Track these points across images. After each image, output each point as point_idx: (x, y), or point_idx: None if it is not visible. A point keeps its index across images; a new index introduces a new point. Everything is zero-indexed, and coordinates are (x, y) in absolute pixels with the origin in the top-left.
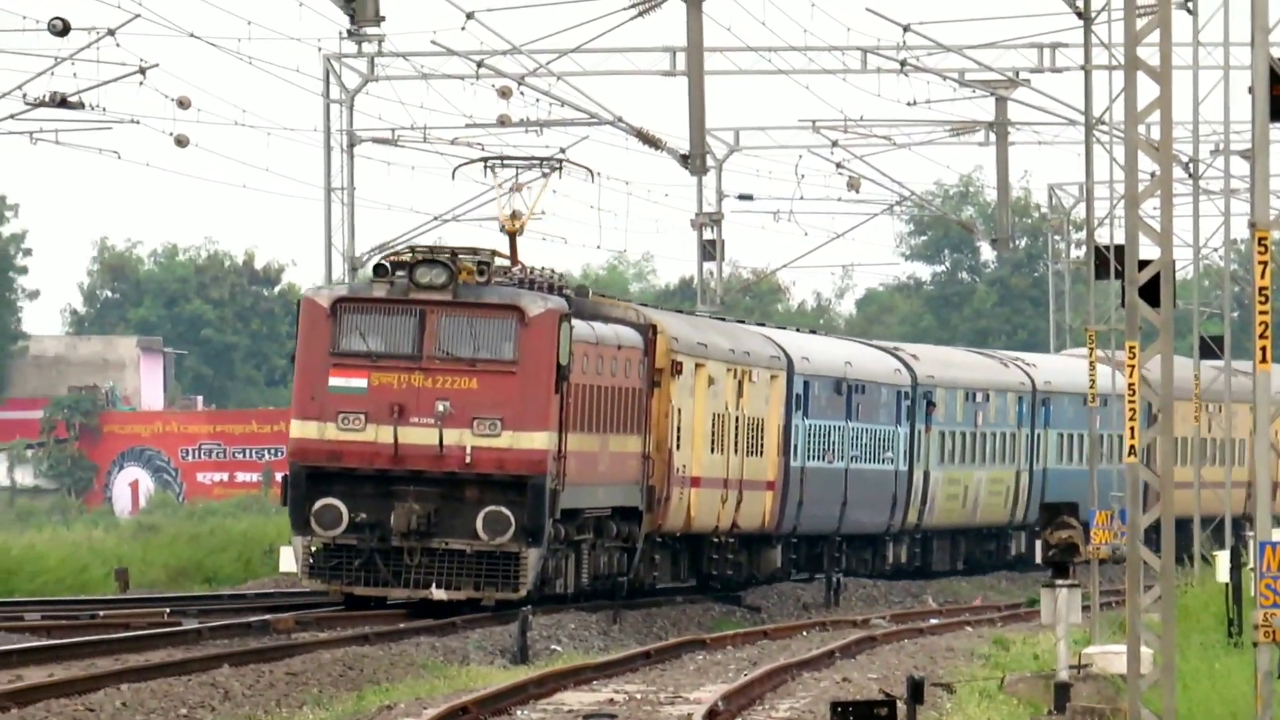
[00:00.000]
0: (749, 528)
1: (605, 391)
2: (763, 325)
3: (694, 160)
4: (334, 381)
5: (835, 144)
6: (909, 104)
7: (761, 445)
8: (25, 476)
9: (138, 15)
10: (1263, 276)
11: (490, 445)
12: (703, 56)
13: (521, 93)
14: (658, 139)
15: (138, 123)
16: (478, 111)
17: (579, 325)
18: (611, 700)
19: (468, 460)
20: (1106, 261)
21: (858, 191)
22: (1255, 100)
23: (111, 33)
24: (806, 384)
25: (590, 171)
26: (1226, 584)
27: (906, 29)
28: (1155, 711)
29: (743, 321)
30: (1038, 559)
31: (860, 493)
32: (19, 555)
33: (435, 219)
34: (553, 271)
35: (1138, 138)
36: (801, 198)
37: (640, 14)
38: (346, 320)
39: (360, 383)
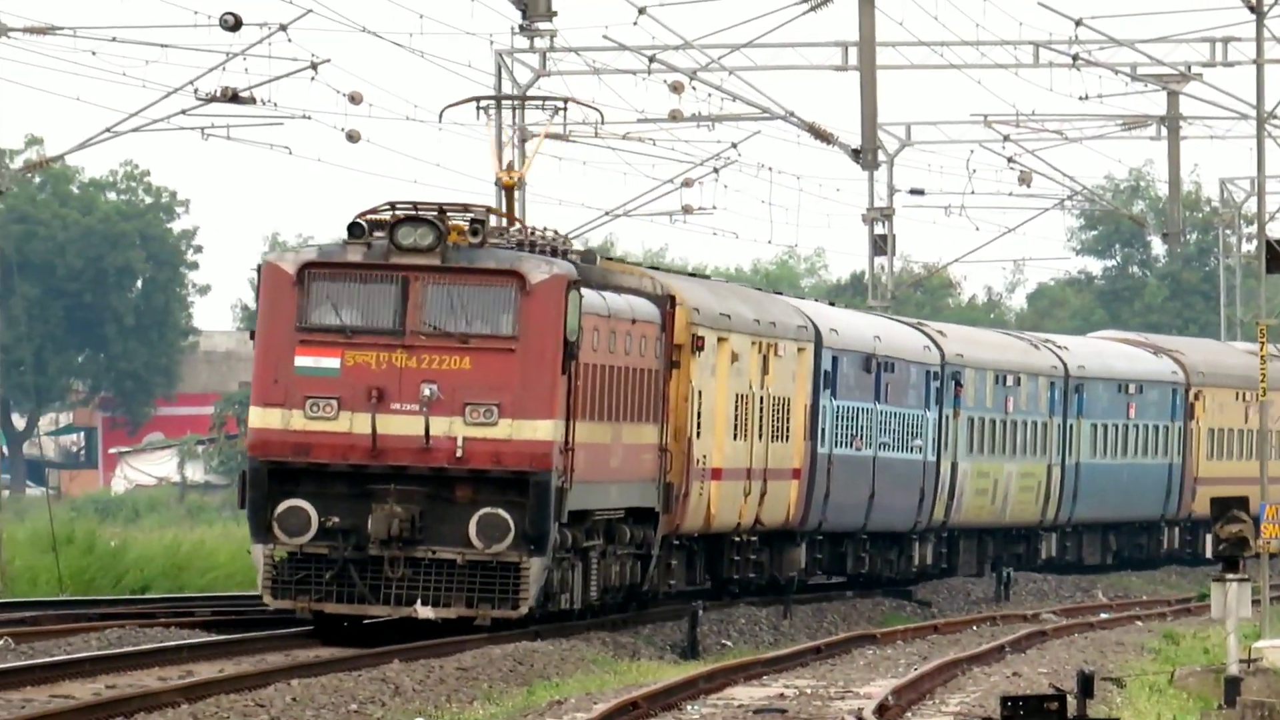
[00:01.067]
0: (772, 524)
1: (618, 373)
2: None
3: (865, 155)
4: (301, 361)
5: (1007, 138)
6: (1080, 98)
7: (788, 429)
8: (196, 473)
9: (310, 11)
10: None
11: (486, 436)
12: (874, 51)
13: (693, 88)
14: (829, 134)
15: (309, 118)
16: (649, 106)
17: (589, 295)
18: (781, 695)
19: (459, 454)
20: (1278, 255)
21: (1029, 186)
22: None
23: (283, 28)
24: (835, 359)
25: (600, 113)
26: None
27: (1078, 23)
28: None
29: (832, 304)
30: (1207, 554)
31: (889, 486)
32: (189, 551)
33: (607, 213)
34: (556, 233)
35: None
36: (973, 192)
37: (812, 9)
38: (316, 289)
39: (332, 363)
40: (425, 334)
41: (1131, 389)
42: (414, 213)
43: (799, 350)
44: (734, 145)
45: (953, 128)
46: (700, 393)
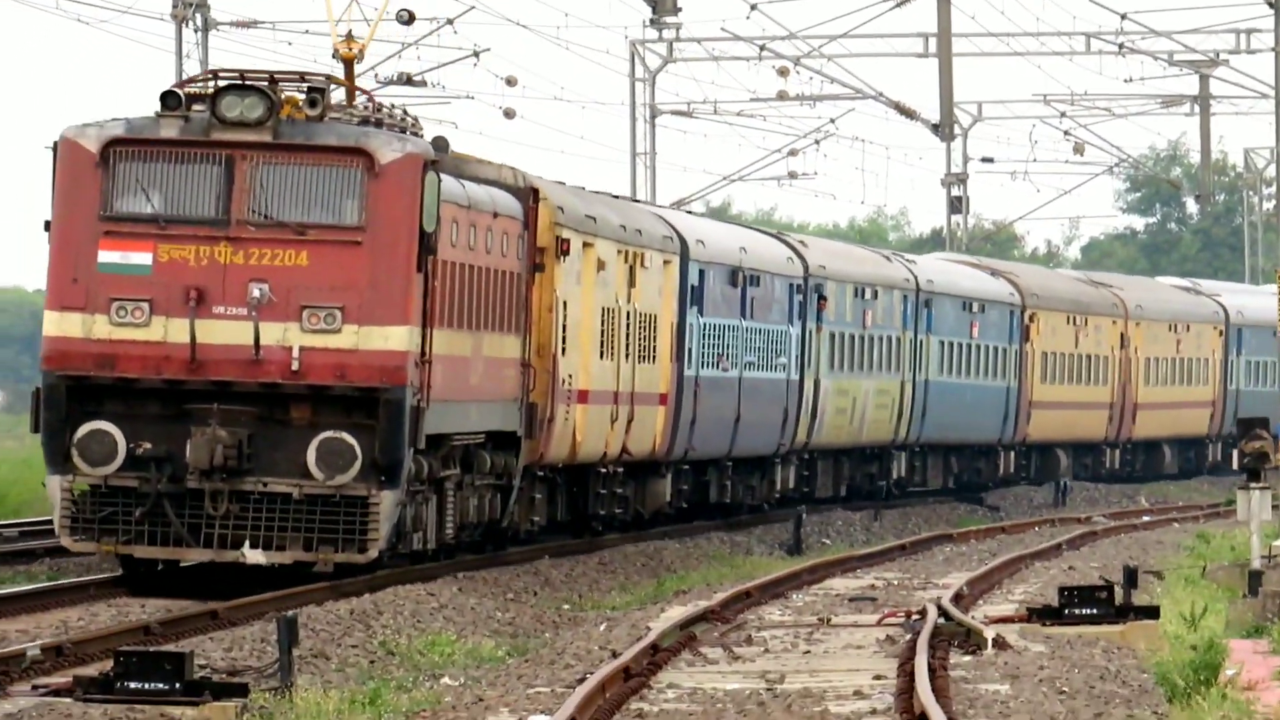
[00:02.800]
0: (640, 454)
1: (479, 274)
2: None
3: (944, 129)
4: (105, 256)
5: (1063, 114)
6: (1125, 80)
7: (654, 349)
8: None
9: (472, 7)
10: None
11: (327, 345)
12: (950, 41)
13: (797, 72)
14: (913, 111)
15: (472, 98)
16: (760, 88)
17: (447, 182)
18: (873, 585)
19: (295, 367)
20: None
21: (1082, 155)
22: None
23: (450, 21)
24: (702, 273)
25: None
26: None
27: (1124, 17)
28: None
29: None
30: (1234, 465)
31: (756, 410)
32: None
33: (725, 178)
34: (404, 112)
35: None
36: (1034, 160)
37: (898, 5)
38: (123, 170)
39: (142, 258)
40: (254, 224)
41: (977, 304)
42: (239, 81)
43: (665, 262)
44: (832, 121)
45: (1017, 105)
46: (565, 303)
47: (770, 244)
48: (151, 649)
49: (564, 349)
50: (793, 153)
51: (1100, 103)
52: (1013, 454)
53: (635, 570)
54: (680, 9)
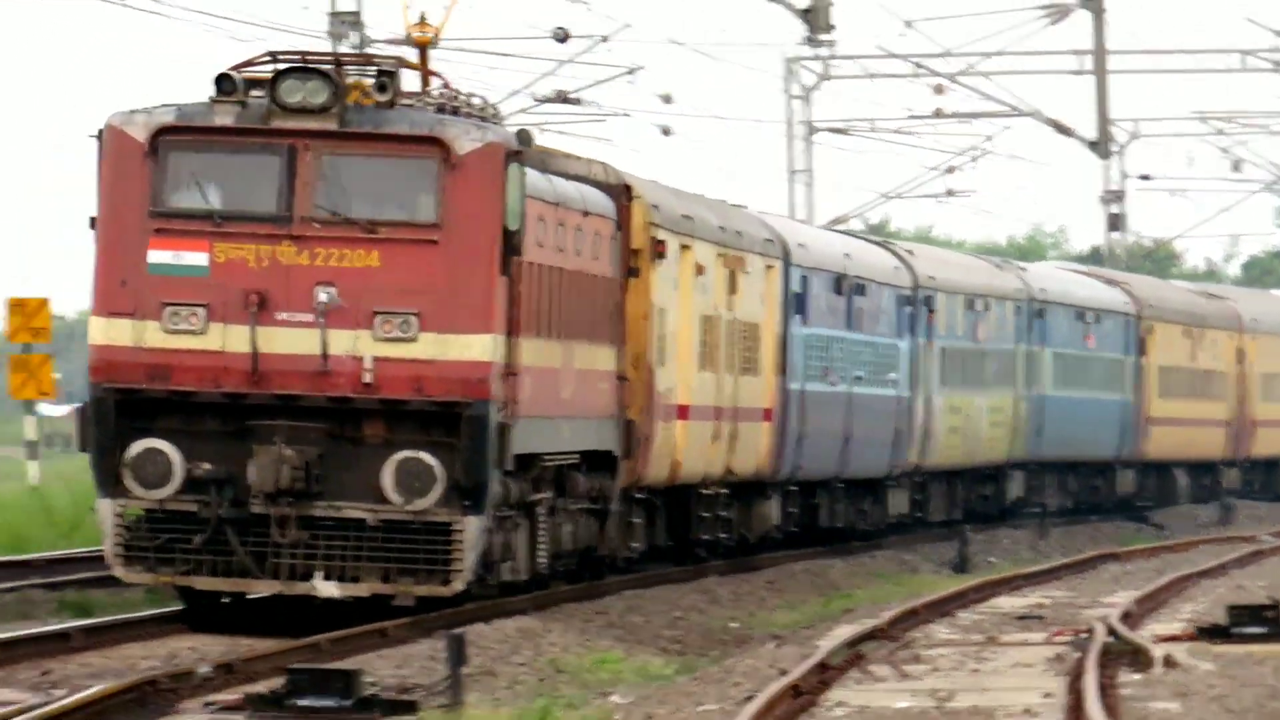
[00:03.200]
0: (744, 473)
1: (569, 278)
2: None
3: (1101, 146)
4: (156, 257)
5: (1220, 132)
6: None
7: (757, 360)
8: None
9: (628, 25)
10: None
11: (402, 356)
12: (1106, 58)
13: (953, 89)
14: (1069, 128)
15: (628, 115)
16: (916, 105)
17: (533, 175)
18: (1039, 604)
19: (367, 379)
20: None
21: (1240, 172)
22: None
23: (605, 39)
24: (805, 279)
25: None
26: None
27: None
28: None
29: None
30: None
31: (865, 427)
32: None
33: (883, 196)
34: (484, 101)
35: None
36: (1192, 177)
37: (1053, 21)
38: (175, 162)
39: (197, 258)
40: (319, 221)
41: (1092, 315)
42: (302, 63)
43: (767, 267)
44: (989, 138)
45: (1174, 123)
46: (662, 311)
47: (876, 251)
48: (322, 666)
49: (662, 360)
50: (950, 170)
51: (1258, 119)
52: (1131, 472)
53: (802, 588)
54: (835, 27)
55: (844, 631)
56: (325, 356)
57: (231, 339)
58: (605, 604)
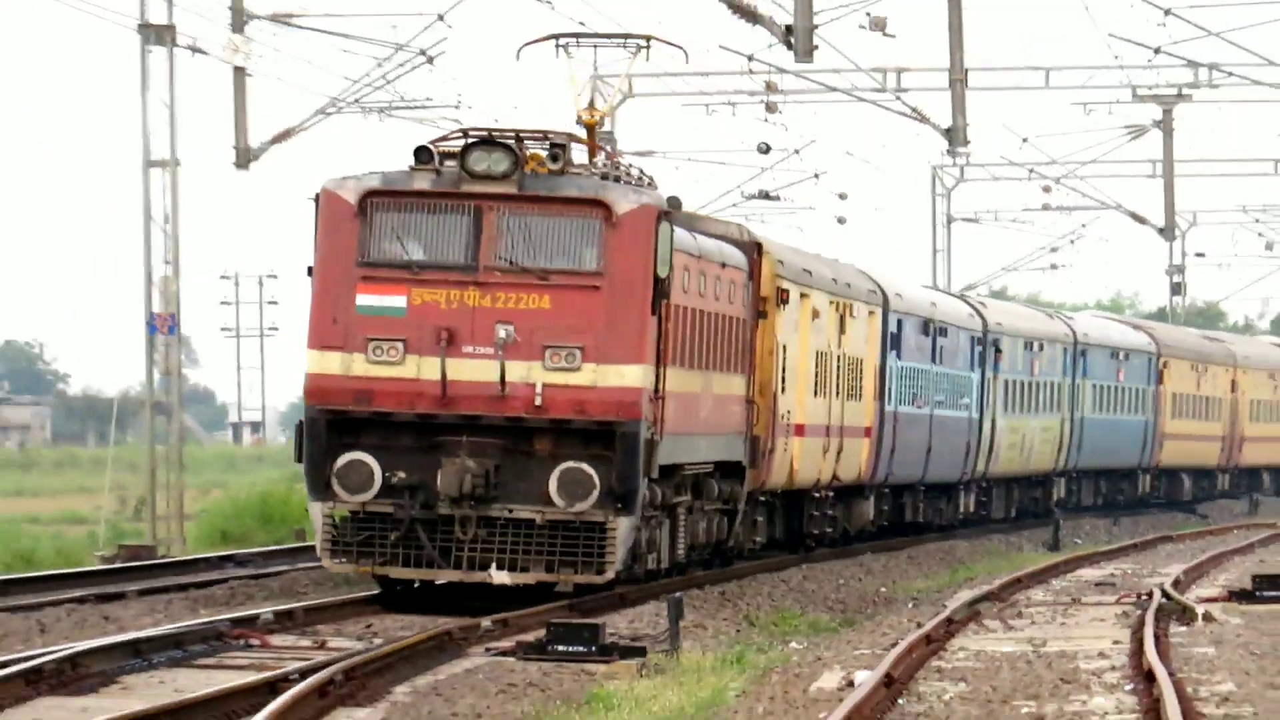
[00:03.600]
0: (847, 479)
1: (708, 319)
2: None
3: (1167, 231)
4: (363, 300)
5: (1257, 220)
6: None
7: (860, 388)
8: None
9: (814, 140)
10: None
11: (567, 383)
12: (1173, 165)
13: (1058, 187)
14: (1144, 218)
15: (813, 209)
16: (1030, 200)
17: (679, 232)
18: (1112, 574)
19: (538, 402)
20: None
21: (1271, 250)
22: None
23: (797, 151)
24: (900, 321)
25: (684, 50)
26: None
27: None
28: None
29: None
30: None
31: (944, 442)
32: None
33: (1003, 269)
34: (641, 171)
35: None
36: (1236, 255)
37: (1133, 138)
38: (380, 220)
39: (397, 301)
40: (500, 269)
41: (1122, 354)
42: (488, 137)
43: (869, 313)
44: (1084, 225)
45: (1222, 214)
46: (785, 347)
47: (955, 303)
48: (574, 621)
49: (783, 388)
50: (1054, 249)
51: None
52: (1148, 477)
53: (934, 562)
54: (970, 141)
55: (965, 595)
56: (503, 383)
57: (425, 368)
58: (786, 575)
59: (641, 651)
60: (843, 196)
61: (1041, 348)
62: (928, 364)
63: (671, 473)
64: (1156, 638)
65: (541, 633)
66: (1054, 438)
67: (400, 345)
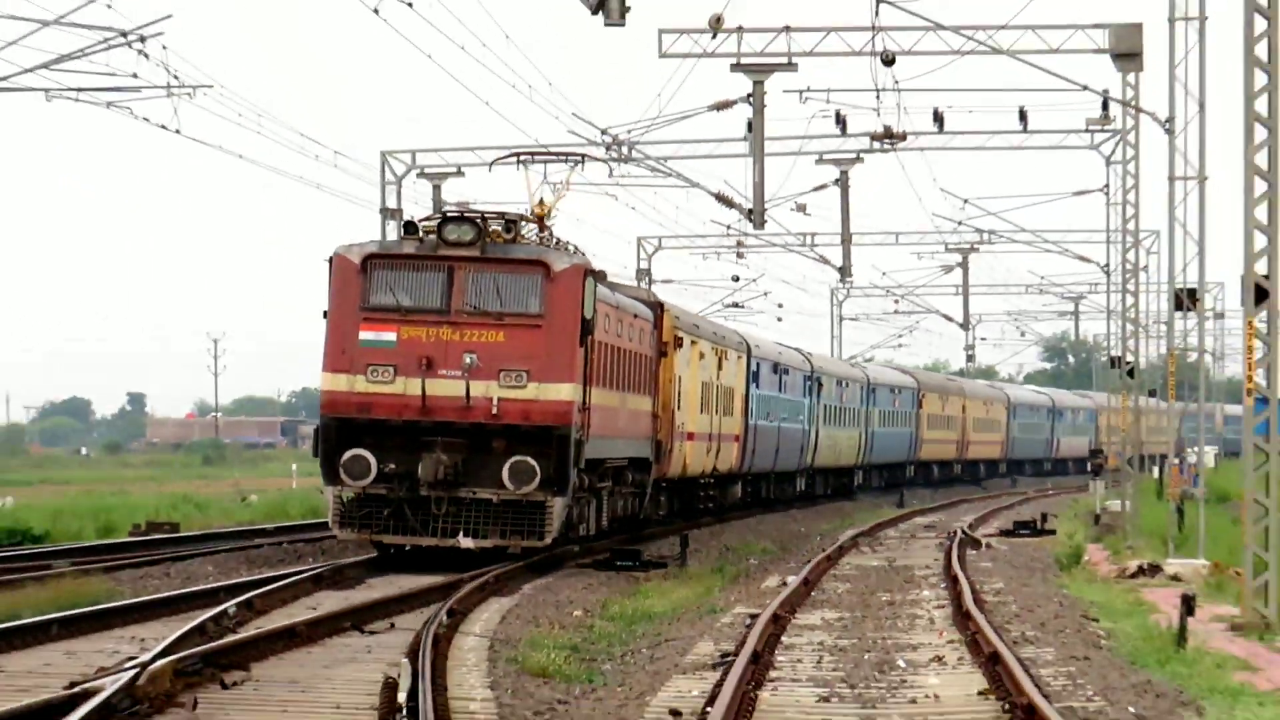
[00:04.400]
0: (724, 470)
1: (624, 354)
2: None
3: (965, 325)
4: (364, 335)
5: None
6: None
7: (733, 408)
8: None
9: (763, 273)
10: None
11: (516, 397)
12: (969, 288)
13: (902, 301)
14: (951, 317)
15: (763, 312)
16: (886, 307)
17: (602, 289)
18: (934, 521)
19: (494, 412)
20: None
21: (1024, 336)
22: None
23: (754, 280)
24: (758, 364)
25: (609, 166)
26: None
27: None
28: (1128, 523)
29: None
30: (1089, 468)
31: (786, 445)
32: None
33: (872, 346)
34: (576, 247)
35: None
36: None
37: (946, 272)
38: (377, 276)
39: (390, 336)
40: (467, 313)
41: (897, 390)
42: (458, 214)
43: (739, 357)
44: (918, 322)
45: (995, 316)
46: (680, 378)
47: (795, 353)
48: (625, 547)
49: (679, 406)
50: (899, 335)
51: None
52: (913, 467)
53: (833, 515)
54: (852, 274)
55: (850, 532)
56: (468, 397)
57: (410, 386)
58: (748, 524)
59: (663, 564)
60: (780, 305)
61: (847, 385)
62: (776, 393)
63: (597, 465)
64: (959, 557)
65: (605, 555)
66: (855, 443)
67: (392, 369)
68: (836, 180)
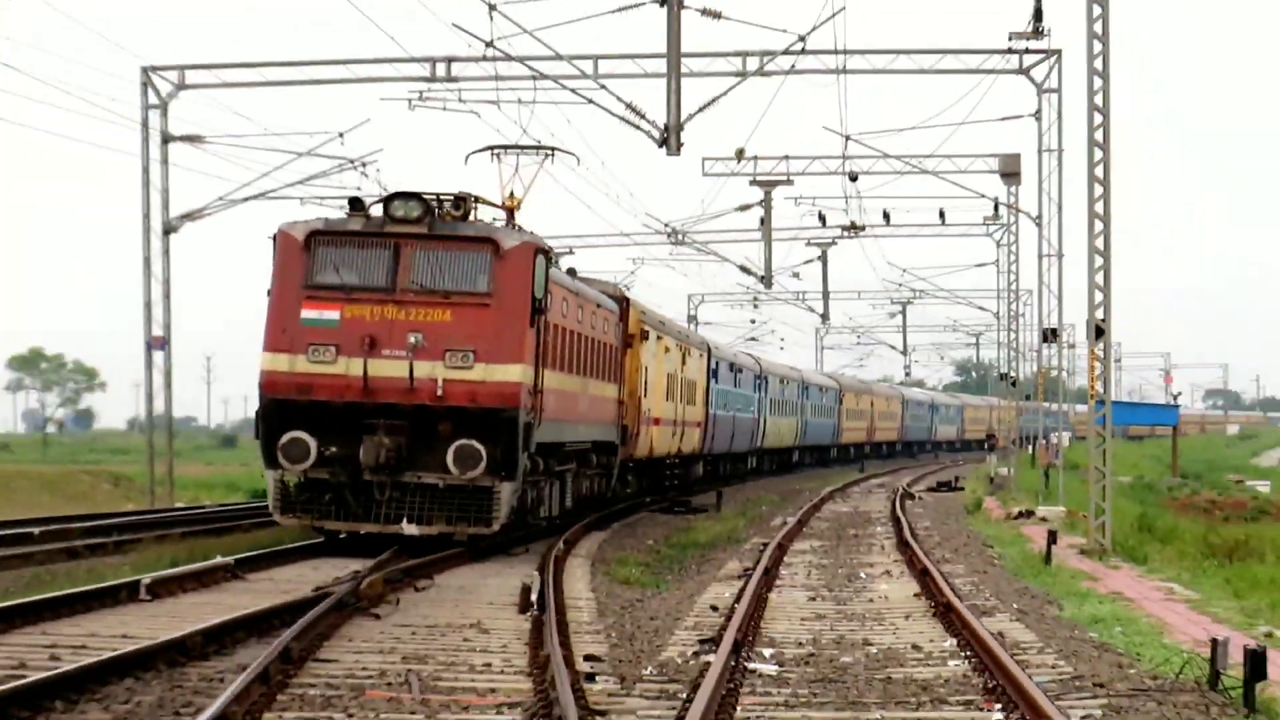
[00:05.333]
0: (687, 452)
1: (586, 341)
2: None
3: (904, 351)
4: (306, 314)
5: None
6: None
7: (695, 398)
8: None
9: (771, 317)
10: None
11: (463, 378)
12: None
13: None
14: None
15: (772, 344)
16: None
17: (561, 274)
18: (884, 481)
19: (439, 393)
20: None
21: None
22: None
23: (765, 322)
24: (718, 362)
25: (576, 157)
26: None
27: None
28: (1012, 483)
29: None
30: (985, 446)
31: (740, 431)
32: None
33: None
34: (533, 233)
35: None
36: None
37: (891, 316)
38: (321, 253)
39: (333, 315)
40: (413, 291)
41: (824, 389)
42: (406, 191)
43: (701, 355)
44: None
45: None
46: (646, 368)
47: (746, 356)
48: (680, 499)
49: (646, 393)
50: (860, 359)
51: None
52: (835, 449)
53: (784, 486)
54: (830, 318)
55: (827, 489)
56: (412, 379)
57: (352, 367)
58: (753, 488)
59: (705, 510)
60: (782, 339)
61: (787, 384)
62: (733, 388)
63: (555, 449)
64: (900, 507)
65: (668, 505)
66: (793, 430)
67: (334, 349)
68: (819, 256)
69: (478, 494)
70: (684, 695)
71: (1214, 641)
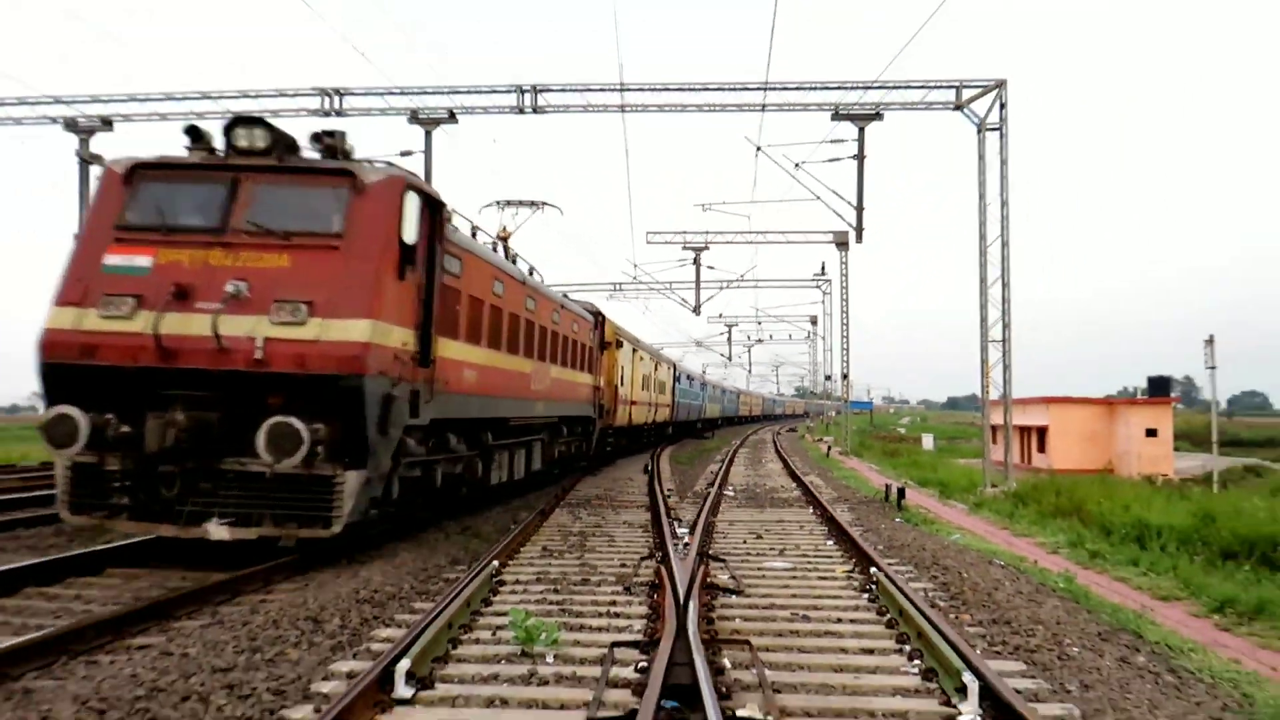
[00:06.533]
0: (661, 421)
1: (548, 333)
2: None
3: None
4: (110, 260)
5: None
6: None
7: (665, 392)
8: None
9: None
10: None
11: (291, 337)
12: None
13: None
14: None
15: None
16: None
17: (486, 249)
18: (758, 430)
19: (258, 356)
20: None
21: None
22: None
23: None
24: (680, 374)
25: (560, 210)
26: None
27: None
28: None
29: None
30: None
31: (693, 412)
32: None
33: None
34: (411, 173)
35: None
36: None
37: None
38: (143, 189)
39: (144, 260)
40: (247, 232)
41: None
42: (251, 115)
43: (669, 368)
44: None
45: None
46: (623, 367)
47: (697, 370)
48: (705, 433)
49: (623, 382)
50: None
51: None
52: (724, 419)
53: (721, 442)
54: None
55: (739, 437)
56: (218, 337)
57: (150, 323)
58: (694, 448)
59: (711, 437)
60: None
61: (724, 390)
62: (688, 387)
63: (497, 424)
64: (775, 440)
65: (700, 435)
66: (719, 410)
67: (133, 301)
68: (694, 260)
69: (315, 485)
70: (702, 502)
71: (887, 486)
